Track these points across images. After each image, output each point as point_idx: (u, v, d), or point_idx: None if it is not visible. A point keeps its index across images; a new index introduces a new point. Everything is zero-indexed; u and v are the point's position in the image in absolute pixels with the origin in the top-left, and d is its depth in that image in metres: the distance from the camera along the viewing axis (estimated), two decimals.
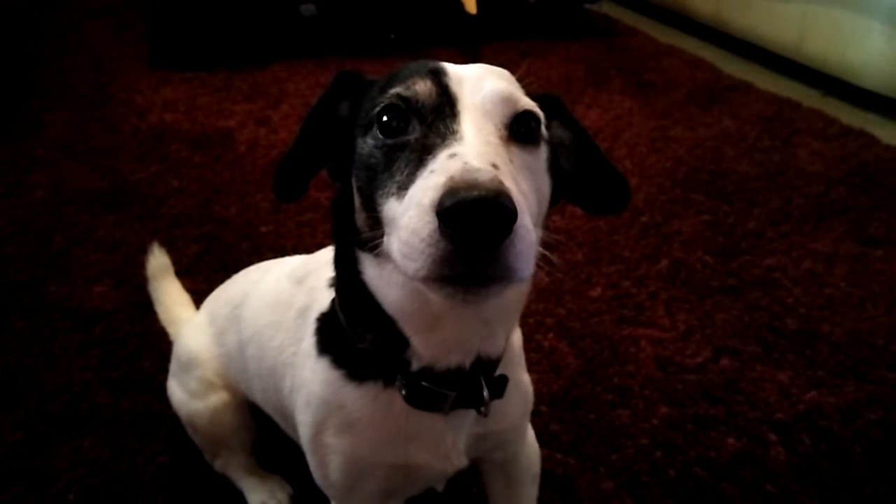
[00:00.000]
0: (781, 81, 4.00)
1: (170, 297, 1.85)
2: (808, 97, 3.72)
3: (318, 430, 1.06)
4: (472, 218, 0.67)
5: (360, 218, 0.92)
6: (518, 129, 0.88)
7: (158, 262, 1.87)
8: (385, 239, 0.83)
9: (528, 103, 0.91)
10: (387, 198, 0.83)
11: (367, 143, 0.89)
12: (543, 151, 0.93)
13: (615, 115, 3.37)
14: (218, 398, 1.45)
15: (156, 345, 1.89)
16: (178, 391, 1.51)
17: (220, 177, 2.81)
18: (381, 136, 0.87)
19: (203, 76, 3.84)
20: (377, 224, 0.86)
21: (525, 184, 0.85)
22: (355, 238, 0.94)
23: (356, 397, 1.03)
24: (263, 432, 1.53)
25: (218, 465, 1.56)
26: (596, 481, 1.57)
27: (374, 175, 0.87)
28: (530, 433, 1.35)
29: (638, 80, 3.81)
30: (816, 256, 2.35)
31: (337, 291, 1.04)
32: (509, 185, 0.73)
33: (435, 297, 0.80)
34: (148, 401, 1.75)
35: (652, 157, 2.98)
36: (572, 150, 1.03)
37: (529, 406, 1.24)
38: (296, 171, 1.02)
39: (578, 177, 1.04)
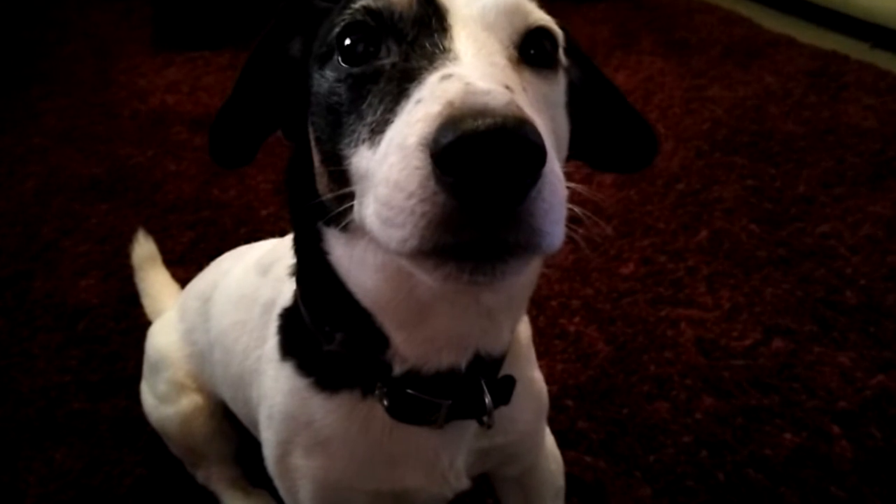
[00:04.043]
0: (825, 35, 3.72)
1: (156, 288, 1.72)
2: (855, 50, 3.43)
3: (284, 450, 0.87)
4: (485, 158, 0.48)
5: (322, 181, 0.72)
6: (530, 51, 0.68)
7: (144, 250, 1.74)
8: (356, 204, 0.63)
9: (543, 17, 0.70)
10: (356, 146, 0.64)
11: (327, 77, 0.69)
12: (562, 81, 0.72)
13: (646, 77, 3.13)
14: (189, 402, 1.28)
15: (140, 342, 1.70)
16: (149, 395, 1.34)
17: None
18: (343, 64, 0.67)
19: (208, 56, 3.67)
20: (344, 186, 0.66)
21: (541, 120, 0.64)
22: (317, 208, 0.74)
23: (327, 410, 0.83)
24: (247, 440, 1.35)
25: (200, 476, 1.40)
26: (631, 487, 1.38)
27: (337, 119, 0.67)
28: (549, 440, 1.14)
29: (669, 38, 3.55)
30: (876, 221, 2.11)
31: (298, 281, 0.84)
32: (530, 114, 0.53)
33: (429, 280, 0.59)
34: (128, 406, 1.59)
35: (687, 119, 2.74)
36: (584, 94, 0.82)
37: (544, 409, 1.04)
38: (241, 130, 0.82)
39: (592, 126, 0.83)
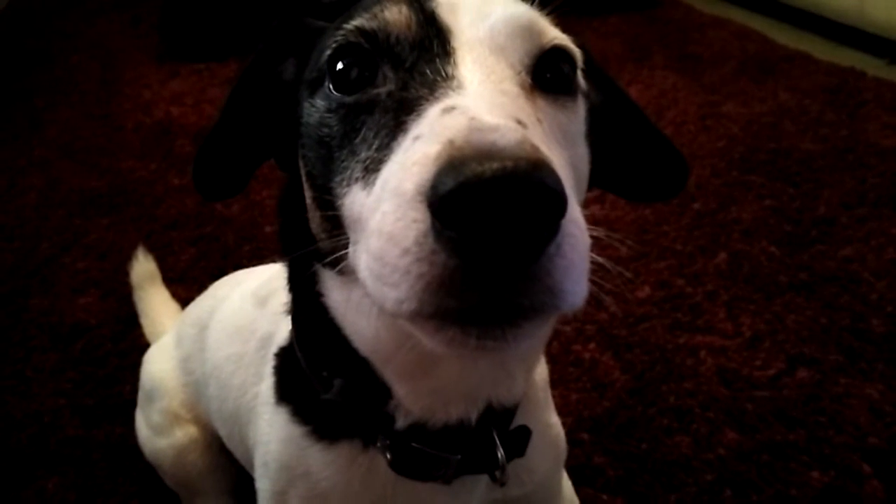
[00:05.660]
0: (841, 51, 3.65)
1: (156, 308, 1.67)
2: (872, 66, 3.36)
3: (279, 501, 0.80)
4: (493, 210, 0.41)
5: (315, 221, 0.66)
6: (545, 74, 0.61)
7: (144, 268, 1.69)
8: (350, 249, 0.57)
9: (560, 36, 0.64)
10: (348, 185, 0.57)
11: (317, 106, 0.62)
12: (581, 108, 0.65)
13: (658, 92, 3.06)
14: (184, 434, 1.21)
15: (138, 365, 1.64)
16: (143, 426, 1.28)
17: None
18: (335, 92, 0.60)
19: (214, 67, 3.62)
20: (338, 228, 0.59)
21: (559, 155, 0.57)
22: (312, 248, 0.68)
23: (326, 462, 0.77)
24: (245, 475, 1.28)
25: None
26: None
27: (328, 153, 0.61)
28: (567, 486, 1.07)
29: (682, 53, 3.49)
30: None
31: (293, 321, 0.78)
32: (546, 152, 0.46)
33: (429, 344, 0.52)
34: (124, 433, 1.51)
35: (702, 137, 2.67)
36: (606, 118, 0.75)
37: (562, 456, 0.97)
38: (229, 159, 0.75)
39: (615, 153, 0.76)
